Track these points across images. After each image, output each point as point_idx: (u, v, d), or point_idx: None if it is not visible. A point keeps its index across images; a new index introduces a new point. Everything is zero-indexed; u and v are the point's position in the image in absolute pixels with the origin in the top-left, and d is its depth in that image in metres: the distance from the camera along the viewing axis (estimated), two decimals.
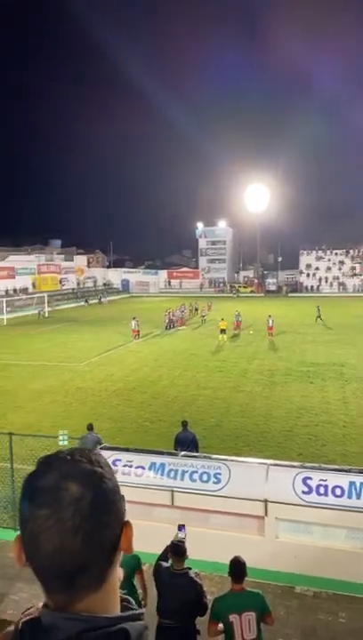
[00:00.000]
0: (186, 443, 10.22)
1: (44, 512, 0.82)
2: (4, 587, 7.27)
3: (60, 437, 10.59)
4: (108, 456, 8.46)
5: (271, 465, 8.15)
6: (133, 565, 5.25)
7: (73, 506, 0.82)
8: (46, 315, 45.98)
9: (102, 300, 61.72)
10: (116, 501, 0.88)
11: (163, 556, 5.18)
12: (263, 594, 4.91)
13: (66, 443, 11.59)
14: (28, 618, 0.86)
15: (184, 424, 10.77)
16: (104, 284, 77.20)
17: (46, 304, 49.44)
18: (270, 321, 30.62)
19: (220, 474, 7.93)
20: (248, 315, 38.54)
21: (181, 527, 5.11)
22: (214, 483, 7.86)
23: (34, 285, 60.75)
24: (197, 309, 43.91)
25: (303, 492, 7.55)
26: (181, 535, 5.11)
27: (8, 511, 9.32)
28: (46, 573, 0.84)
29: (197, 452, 9.95)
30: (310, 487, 7.54)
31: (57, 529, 0.81)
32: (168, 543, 5.28)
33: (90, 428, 10.64)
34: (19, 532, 0.87)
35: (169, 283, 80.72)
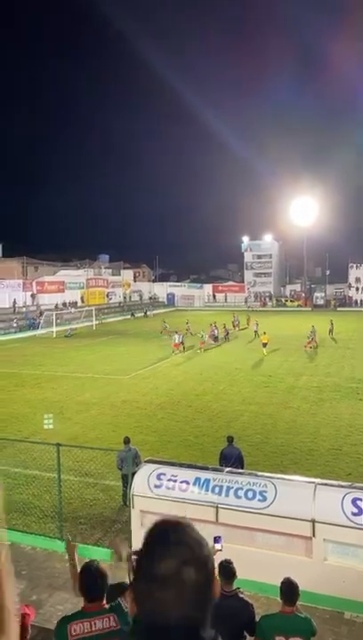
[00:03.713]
0: (231, 458, 10.10)
1: (168, 597, 0.97)
2: (50, 596, 7.38)
3: (45, 421, 10.81)
4: (154, 470, 8.49)
5: (319, 484, 7.91)
6: None
7: (192, 589, 0.97)
8: (70, 334, 43.68)
9: (148, 313, 62.48)
10: (213, 574, 1.04)
11: None
12: (311, 618, 4.74)
13: (51, 426, 11.60)
14: None
15: (230, 439, 10.66)
16: (150, 298, 78.16)
17: (94, 317, 50.50)
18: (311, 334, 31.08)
19: (266, 491, 7.77)
20: (295, 329, 37.91)
21: (217, 539, 4.97)
22: (260, 500, 7.71)
23: (82, 299, 62.36)
24: (237, 324, 43.21)
25: (353, 514, 7.26)
26: (217, 547, 4.99)
27: (55, 521, 9.49)
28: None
29: (242, 468, 9.81)
30: (360, 509, 7.26)
31: (177, 609, 0.96)
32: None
33: (127, 441, 10.64)
34: (131, 591, 1.04)
35: (214, 296, 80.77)
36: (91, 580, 3.58)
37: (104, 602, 3.53)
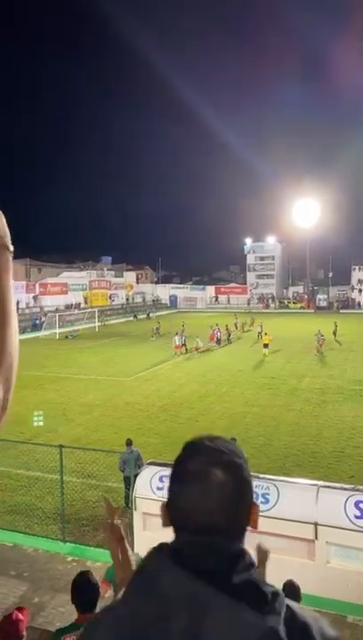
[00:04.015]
0: None
1: (195, 490, 0.98)
2: (52, 598, 7.38)
3: (35, 418, 10.83)
4: (156, 472, 8.48)
5: (322, 487, 7.89)
6: None
7: (219, 488, 0.98)
8: (73, 335, 43.41)
9: (150, 315, 62.44)
10: (249, 487, 1.05)
11: None
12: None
13: (41, 423, 11.56)
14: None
15: (232, 441, 10.66)
16: (152, 300, 78.12)
17: (97, 319, 50.52)
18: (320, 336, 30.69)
19: (268, 494, 7.75)
20: (297, 331, 37.76)
21: None
22: (262, 503, 7.68)
23: (85, 301, 62.40)
24: (240, 326, 42.87)
25: (356, 517, 7.24)
26: None
27: (57, 523, 9.48)
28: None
29: None
30: None
31: (205, 506, 0.97)
32: None
33: (129, 443, 10.68)
34: (165, 501, 1.04)
35: (216, 298, 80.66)
36: (83, 592, 3.68)
37: (97, 610, 3.60)
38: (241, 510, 1.01)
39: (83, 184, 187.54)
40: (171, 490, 1.04)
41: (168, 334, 37.73)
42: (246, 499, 1.02)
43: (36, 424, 11.25)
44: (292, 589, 4.59)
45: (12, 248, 1.10)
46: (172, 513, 1.02)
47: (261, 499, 7.72)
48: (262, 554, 3.81)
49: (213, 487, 0.98)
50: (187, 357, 29.92)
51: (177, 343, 30.79)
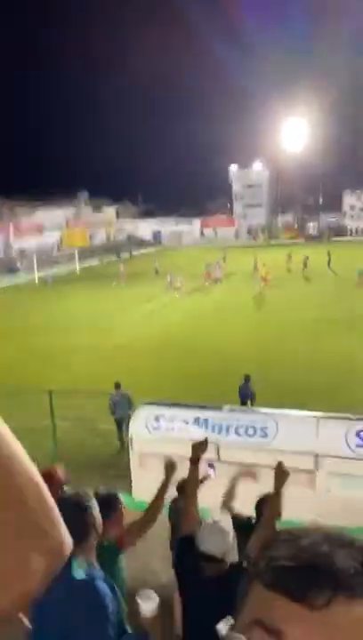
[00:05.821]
0: (247, 396, 10.66)
1: None
2: None
3: None
4: (151, 411, 8.26)
5: (322, 418, 7.69)
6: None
7: None
8: (51, 280, 40.53)
9: (132, 253, 59.97)
10: None
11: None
12: None
13: None
14: None
15: (246, 378, 11.06)
16: (128, 237, 73.30)
17: (77, 260, 48.10)
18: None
19: (266, 427, 7.56)
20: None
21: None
22: (261, 437, 7.50)
23: (62, 241, 59.42)
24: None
25: (358, 446, 7.11)
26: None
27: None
28: None
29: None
30: None
31: None
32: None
33: (117, 386, 10.41)
34: None
35: (202, 232, 78.32)
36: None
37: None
38: None
39: (50, 115, 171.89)
40: None
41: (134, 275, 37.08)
42: None
43: None
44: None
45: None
46: None
47: (259, 433, 7.53)
48: (282, 474, 3.25)
49: None
50: (180, 297, 29.26)
51: (173, 282, 30.43)
